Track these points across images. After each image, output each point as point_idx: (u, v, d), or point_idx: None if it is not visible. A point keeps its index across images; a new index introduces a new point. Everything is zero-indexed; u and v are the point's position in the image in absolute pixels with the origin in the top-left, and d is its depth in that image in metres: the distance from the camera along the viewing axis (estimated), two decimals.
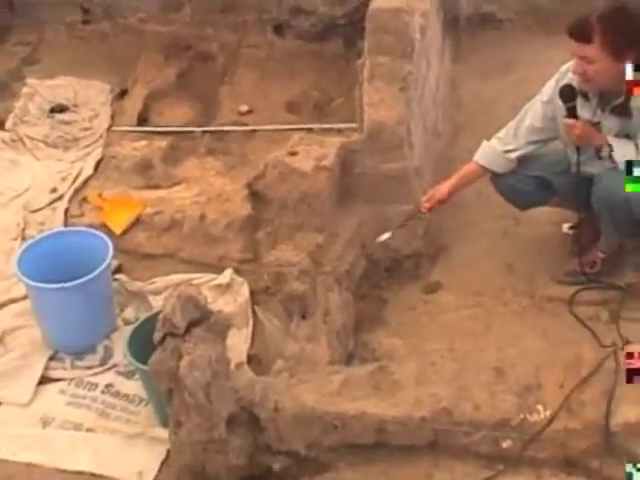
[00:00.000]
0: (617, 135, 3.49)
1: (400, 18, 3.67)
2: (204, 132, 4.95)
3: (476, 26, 5.16)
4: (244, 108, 5.09)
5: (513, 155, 3.69)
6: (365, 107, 3.78)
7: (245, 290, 4.07)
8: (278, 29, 5.39)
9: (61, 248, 3.98)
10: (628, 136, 3.48)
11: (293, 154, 3.67)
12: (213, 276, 4.17)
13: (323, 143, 3.88)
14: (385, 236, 3.70)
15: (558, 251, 3.94)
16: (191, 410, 2.90)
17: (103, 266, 3.81)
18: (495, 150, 3.69)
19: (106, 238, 3.93)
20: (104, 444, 3.51)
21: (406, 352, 3.52)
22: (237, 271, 4.16)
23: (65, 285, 3.73)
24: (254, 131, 4.94)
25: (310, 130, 4.84)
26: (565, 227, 4.01)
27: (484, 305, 3.71)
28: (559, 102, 3.48)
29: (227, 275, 4.15)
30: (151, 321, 3.64)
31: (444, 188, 3.76)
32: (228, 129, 4.93)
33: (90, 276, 3.77)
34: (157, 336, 2.91)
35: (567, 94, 3.45)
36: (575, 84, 3.45)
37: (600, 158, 3.49)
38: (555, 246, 3.97)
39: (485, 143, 3.75)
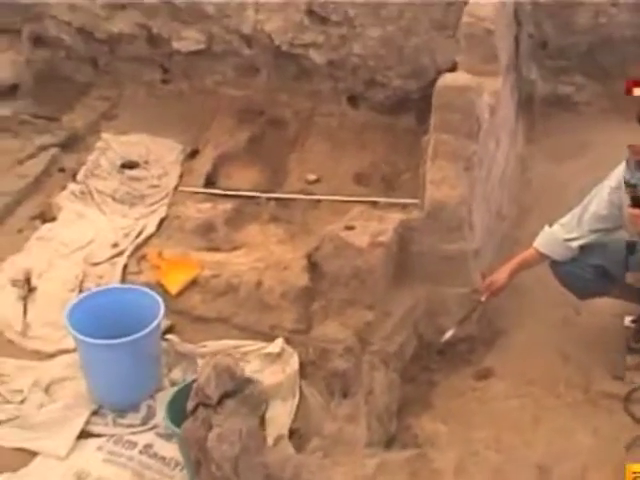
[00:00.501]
0: None
1: (467, 97, 3.61)
2: (269, 198, 4.93)
3: (551, 107, 5.06)
4: (312, 177, 5.07)
5: (575, 244, 3.57)
6: (427, 185, 3.71)
7: (294, 361, 3.97)
8: (352, 99, 5.39)
9: (113, 304, 3.97)
10: None
11: (350, 228, 3.63)
12: (264, 344, 4.10)
13: (382, 218, 3.83)
14: (449, 334, 3.63)
15: (619, 344, 3.78)
16: None
17: (152, 326, 3.79)
18: (556, 238, 3.58)
19: (158, 298, 3.91)
20: None
21: (449, 439, 3.40)
22: (288, 341, 4.07)
23: (112, 342, 3.72)
24: (319, 201, 4.90)
25: (375, 203, 4.80)
26: (627, 320, 3.86)
27: (535, 396, 3.57)
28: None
29: (278, 344, 4.07)
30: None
31: (503, 276, 3.67)
32: (293, 197, 4.91)
33: (138, 335, 3.75)
34: (190, 404, 2.87)
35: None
36: None
37: None
38: (616, 339, 3.82)
39: (546, 229, 3.65)
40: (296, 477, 2.91)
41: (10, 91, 5.68)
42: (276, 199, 4.95)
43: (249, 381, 2.89)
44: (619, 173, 3.49)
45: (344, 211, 4.76)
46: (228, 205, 4.88)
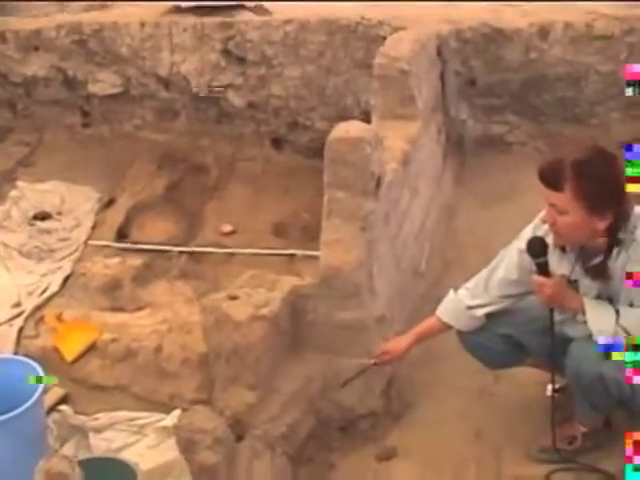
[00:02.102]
0: (599, 297, 3.00)
1: (360, 150, 3.29)
2: (181, 252, 4.65)
3: (483, 148, 4.76)
4: (227, 228, 4.80)
5: (480, 312, 3.24)
6: (321, 247, 3.40)
7: None
8: (276, 142, 5.13)
9: None
10: (611, 299, 3.00)
11: (233, 298, 3.31)
12: (161, 416, 3.80)
13: (275, 284, 3.51)
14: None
15: (539, 418, 3.41)
16: None
17: (29, 403, 3.49)
18: (458, 306, 3.25)
19: (38, 369, 3.60)
20: None
21: None
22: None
23: None
24: (233, 254, 4.62)
25: (292, 256, 4.52)
26: (549, 389, 3.49)
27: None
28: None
29: (175, 417, 3.77)
30: (83, 467, 3.34)
31: (398, 346, 3.35)
32: (205, 250, 4.63)
33: (14, 413, 3.45)
34: None
35: (536, 247, 2.97)
36: (548, 235, 3.00)
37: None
38: (536, 412, 3.44)
39: (451, 294, 3.31)
40: None
41: None
42: (188, 253, 4.65)
43: None
44: (527, 234, 3.15)
45: (258, 265, 4.48)
46: (137, 260, 4.62)
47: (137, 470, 3.25)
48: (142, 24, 4.94)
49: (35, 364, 3.66)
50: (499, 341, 3.27)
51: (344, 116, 4.73)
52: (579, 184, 2.77)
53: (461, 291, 3.30)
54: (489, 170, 4.77)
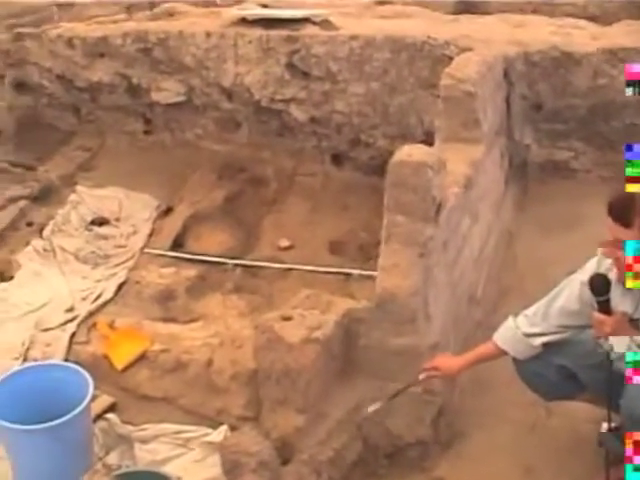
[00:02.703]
0: None
1: (423, 175, 3.23)
2: (236, 265, 4.63)
3: (547, 174, 4.66)
4: (284, 243, 4.76)
5: (538, 341, 3.16)
6: (378, 271, 3.35)
7: None
8: (336, 158, 5.09)
9: (40, 382, 3.69)
10: None
11: (287, 319, 3.27)
12: (207, 431, 3.79)
13: (330, 306, 3.47)
14: (374, 407, 3.23)
15: (592, 457, 3.32)
16: None
17: (77, 411, 3.49)
18: (516, 333, 3.18)
19: (87, 377, 3.61)
20: None
21: None
22: (233, 429, 3.75)
23: (30, 428, 3.43)
24: (289, 270, 4.57)
25: (348, 275, 4.47)
26: (604, 427, 3.39)
27: None
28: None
29: (221, 433, 3.75)
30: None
31: (454, 365, 3.29)
32: (260, 264, 4.60)
33: (64, 419, 3.45)
34: None
35: (599, 285, 2.90)
36: (611, 270, 2.92)
37: None
38: (589, 450, 3.35)
39: (509, 321, 3.24)
40: None
41: None
42: (243, 266, 4.63)
43: None
44: (591, 267, 3.06)
45: (313, 283, 4.46)
46: (192, 271, 4.61)
47: None
48: (208, 34, 4.94)
49: (84, 372, 3.67)
50: (554, 371, 3.20)
51: (406, 135, 4.72)
52: None
53: (519, 318, 3.23)
54: (552, 197, 4.68)
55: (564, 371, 3.19)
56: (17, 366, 4.00)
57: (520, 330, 3.19)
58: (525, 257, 4.35)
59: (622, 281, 2.91)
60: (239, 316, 4.30)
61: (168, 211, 5.12)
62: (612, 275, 2.91)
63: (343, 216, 4.88)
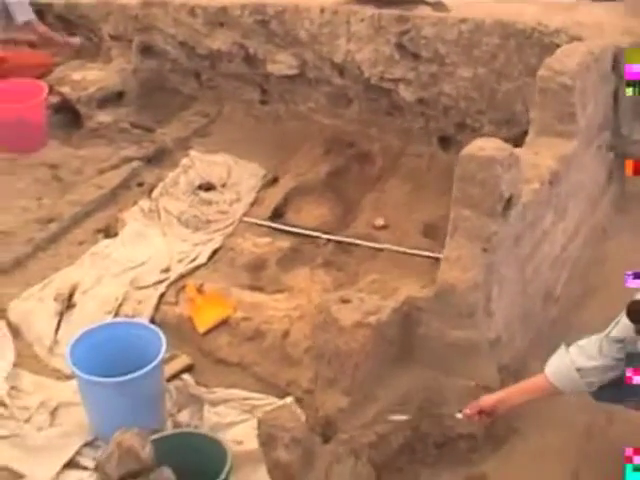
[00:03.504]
0: None
1: (491, 170, 3.19)
2: (329, 240, 4.68)
3: None
4: (380, 222, 4.77)
5: (592, 381, 3.06)
6: (442, 262, 3.34)
7: None
8: (443, 141, 5.04)
9: (119, 338, 3.89)
10: None
11: (345, 301, 3.31)
12: (274, 400, 3.89)
13: (396, 291, 3.48)
14: (399, 417, 3.23)
15: None
16: None
17: (149, 367, 3.68)
18: (570, 369, 3.05)
19: (161, 336, 3.77)
20: None
21: None
22: (299, 401, 3.85)
23: (105, 380, 3.64)
24: (381, 249, 4.59)
25: (437, 260, 4.45)
26: None
27: None
28: None
29: (287, 403, 3.85)
30: (176, 440, 3.50)
31: (490, 400, 3.20)
32: (351, 241, 4.64)
33: (134, 375, 3.64)
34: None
35: (636, 312, 2.80)
36: None
37: None
38: None
39: (563, 354, 3.09)
40: None
41: (116, 98, 5.74)
42: (336, 241, 4.68)
43: (155, 465, 2.69)
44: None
45: (403, 265, 4.47)
46: (286, 243, 4.69)
47: (228, 450, 3.35)
48: (322, 10, 4.98)
49: (160, 333, 3.84)
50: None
51: (512, 122, 4.65)
52: None
53: (573, 349, 3.09)
54: None
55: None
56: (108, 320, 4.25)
57: (575, 365, 3.06)
58: (616, 258, 4.20)
59: None
60: (323, 291, 4.34)
61: (274, 181, 5.21)
62: None
63: (442, 200, 4.81)
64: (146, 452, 2.67)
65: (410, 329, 3.41)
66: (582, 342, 3.08)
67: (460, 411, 3.24)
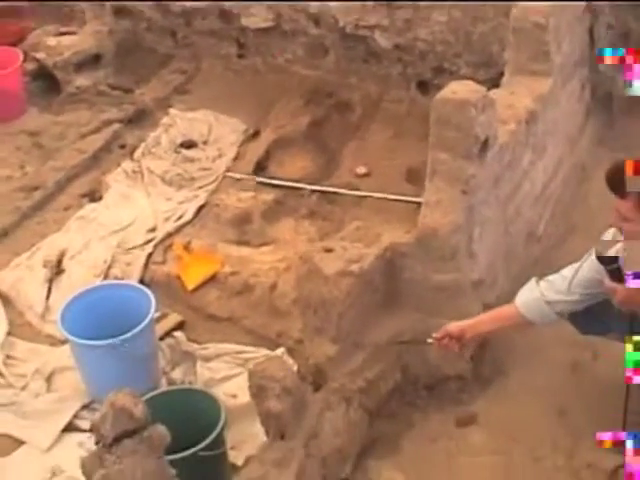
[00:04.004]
0: None
1: (465, 112, 3.20)
2: (313, 191, 4.70)
3: (633, 106, 4.46)
4: (362, 170, 4.79)
5: (561, 311, 3.15)
6: (422, 207, 3.37)
7: None
8: (422, 85, 5.03)
9: (110, 300, 3.93)
10: None
11: (328, 250, 3.35)
12: (266, 353, 3.95)
13: (379, 238, 3.51)
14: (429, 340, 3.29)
15: (634, 406, 3.25)
16: None
17: (139, 327, 3.73)
18: (540, 300, 3.14)
19: (151, 296, 3.81)
20: None
21: None
22: (291, 351, 3.91)
23: (97, 343, 3.69)
24: (364, 197, 4.62)
25: (420, 205, 4.47)
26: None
27: (513, 455, 3.21)
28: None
29: (278, 355, 3.91)
30: (169, 397, 3.56)
31: (459, 326, 3.26)
32: (335, 191, 4.66)
33: (125, 336, 3.69)
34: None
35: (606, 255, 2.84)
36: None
37: None
38: (634, 398, 3.28)
39: (533, 287, 3.17)
40: None
41: (93, 61, 5.70)
42: (319, 192, 4.70)
43: (149, 422, 2.73)
44: (609, 238, 2.99)
45: (386, 211, 4.50)
46: (270, 196, 4.71)
47: (222, 404, 3.41)
48: None
49: (149, 292, 3.88)
50: (585, 310, 3.16)
51: (490, 63, 4.65)
52: None
53: (543, 284, 3.17)
54: (636, 131, 4.49)
55: (593, 310, 3.14)
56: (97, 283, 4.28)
57: (544, 298, 3.14)
58: (598, 194, 4.21)
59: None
60: (308, 242, 4.38)
61: (256, 135, 5.21)
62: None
63: (424, 145, 4.78)
64: (139, 410, 2.69)
65: (394, 275, 3.45)
66: (551, 277, 3.16)
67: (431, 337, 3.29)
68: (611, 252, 2.83)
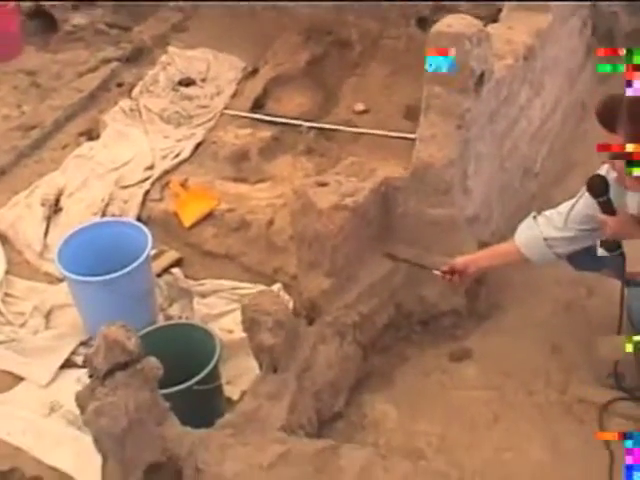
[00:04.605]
0: None
1: (460, 46, 3.16)
2: (310, 127, 4.67)
3: (635, 43, 4.38)
4: (360, 107, 4.76)
5: (560, 252, 3.12)
6: (417, 142, 3.34)
7: None
8: (421, 22, 4.96)
9: (108, 237, 3.94)
10: None
11: (323, 185, 3.33)
12: (262, 288, 3.94)
13: (373, 173, 3.49)
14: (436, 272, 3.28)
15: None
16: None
17: (135, 264, 3.74)
18: (538, 238, 3.11)
19: (147, 232, 3.82)
20: (88, 447, 3.45)
21: (394, 427, 3.13)
22: (287, 287, 3.92)
23: (92, 279, 3.69)
24: (362, 134, 4.59)
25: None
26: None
27: (505, 390, 3.21)
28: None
29: (274, 290, 3.92)
30: (165, 333, 3.58)
31: (463, 260, 3.25)
32: (332, 127, 4.63)
33: (121, 272, 3.70)
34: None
35: (595, 186, 2.84)
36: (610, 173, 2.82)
37: None
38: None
39: (531, 224, 3.15)
40: (190, 454, 2.78)
41: None
42: (317, 129, 4.68)
43: (142, 355, 2.75)
44: (603, 172, 2.96)
45: (384, 147, 4.49)
46: (267, 132, 4.70)
47: (217, 337, 3.43)
48: None
49: (146, 230, 3.88)
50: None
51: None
52: (633, 127, 2.57)
53: (541, 220, 3.14)
54: None
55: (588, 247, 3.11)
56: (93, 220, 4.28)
57: (542, 235, 3.11)
58: (597, 133, 4.15)
59: (621, 183, 2.81)
60: (305, 178, 4.35)
61: (254, 72, 5.18)
62: (612, 176, 2.80)
63: (422, 81, 4.79)
64: (132, 343, 2.70)
65: (389, 209, 3.43)
66: (548, 213, 3.13)
67: (437, 269, 3.29)
68: (602, 185, 2.81)
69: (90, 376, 2.78)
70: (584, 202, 2.99)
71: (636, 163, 2.56)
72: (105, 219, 4.22)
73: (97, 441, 2.73)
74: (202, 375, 3.24)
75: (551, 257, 3.13)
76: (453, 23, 3.22)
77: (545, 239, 3.09)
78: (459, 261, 3.24)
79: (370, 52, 5.07)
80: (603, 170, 2.88)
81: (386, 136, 4.52)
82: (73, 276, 3.72)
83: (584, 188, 2.98)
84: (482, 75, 3.31)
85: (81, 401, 2.78)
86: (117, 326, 2.76)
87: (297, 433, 2.97)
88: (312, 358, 3.14)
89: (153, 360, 2.78)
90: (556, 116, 4.05)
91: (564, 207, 3.07)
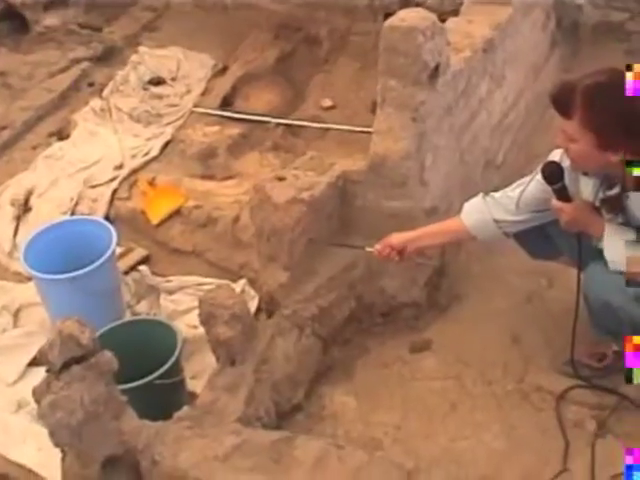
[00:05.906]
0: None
1: (412, 40, 3.19)
2: (278, 124, 4.70)
3: (600, 35, 4.43)
4: (327, 103, 4.79)
5: (509, 231, 3.12)
6: (373, 135, 3.37)
7: (253, 305, 3.86)
8: (389, 17, 4.96)
9: (72, 236, 3.95)
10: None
11: (281, 179, 3.35)
12: (227, 284, 3.97)
13: (332, 167, 3.51)
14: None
15: (580, 331, 3.24)
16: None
17: (100, 261, 3.75)
18: (487, 218, 3.10)
19: (112, 229, 3.84)
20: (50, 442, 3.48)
21: (353, 417, 3.16)
22: (252, 282, 3.95)
23: (58, 277, 3.71)
24: (328, 130, 4.62)
25: None
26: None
27: (464, 380, 3.23)
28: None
29: (240, 286, 3.96)
30: (126, 330, 3.60)
31: (401, 237, 3.20)
32: (300, 123, 4.66)
33: (85, 270, 3.72)
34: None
35: (553, 173, 2.82)
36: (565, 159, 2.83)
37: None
38: (581, 323, 3.28)
39: (480, 203, 3.14)
40: (147, 447, 2.80)
41: (62, 0, 5.66)
42: (285, 125, 4.70)
43: (97, 349, 2.77)
44: (557, 153, 2.97)
45: (351, 142, 4.51)
46: (235, 130, 4.72)
47: (178, 332, 3.46)
48: None
49: (111, 227, 3.90)
50: (534, 230, 3.12)
51: None
52: (587, 113, 2.59)
53: (489, 200, 3.13)
54: (603, 60, 4.41)
55: (543, 232, 3.12)
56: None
57: (493, 216, 3.11)
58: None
59: (575, 170, 2.82)
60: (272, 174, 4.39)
61: (224, 70, 5.20)
62: (566, 163, 2.82)
63: None
64: (86, 337, 2.72)
65: (347, 202, 3.45)
66: (497, 195, 3.11)
67: (371, 246, 3.26)
68: (557, 172, 2.82)
69: (46, 370, 2.80)
70: (535, 185, 2.98)
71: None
72: (69, 218, 4.23)
73: (53, 435, 2.74)
74: (163, 370, 3.26)
75: (500, 236, 3.14)
76: (406, 17, 3.26)
77: (496, 221, 3.08)
78: (395, 238, 3.19)
79: (339, 48, 5.09)
80: (557, 156, 2.88)
81: (351, 131, 4.54)
82: (39, 274, 3.74)
83: (535, 171, 2.99)
84: (437, 67, 3.33)
85: (37, 395, 2.79)
86: (72, 321, 2.78)
87: (254, 425, 2.99)
88: (269, 351, 3.16)
89: (108, 354, 2.80)
90: (519, 108, 4.08)
91: (513, 190, 3.07)
